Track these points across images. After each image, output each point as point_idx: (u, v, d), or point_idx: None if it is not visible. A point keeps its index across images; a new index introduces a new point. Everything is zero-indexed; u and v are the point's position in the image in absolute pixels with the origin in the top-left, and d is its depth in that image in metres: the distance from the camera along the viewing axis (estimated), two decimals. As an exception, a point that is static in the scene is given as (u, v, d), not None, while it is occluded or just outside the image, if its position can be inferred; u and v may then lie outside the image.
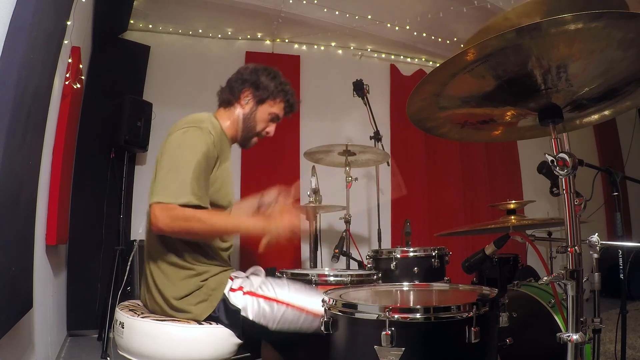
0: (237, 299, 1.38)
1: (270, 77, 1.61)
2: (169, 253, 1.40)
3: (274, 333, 1.38)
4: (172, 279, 1.39)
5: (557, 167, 1.04)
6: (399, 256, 2.21)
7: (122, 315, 1.39)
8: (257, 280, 1.43)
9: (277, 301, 1.38)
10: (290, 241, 1.41)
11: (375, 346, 1.04)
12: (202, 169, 1.38)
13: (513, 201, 2.12)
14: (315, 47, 4.57)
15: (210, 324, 1.35)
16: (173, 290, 1.38)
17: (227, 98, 1.62)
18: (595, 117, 1.27)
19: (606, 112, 1.24)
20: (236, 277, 1.44)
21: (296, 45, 4.50)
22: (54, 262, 2.60)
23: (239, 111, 1.62)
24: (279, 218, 1.38)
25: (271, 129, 1.65)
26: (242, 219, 1.48)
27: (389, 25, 4.20)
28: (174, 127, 1.45)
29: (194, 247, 1.42)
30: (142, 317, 1.36)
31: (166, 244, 1.41)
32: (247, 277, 1.46)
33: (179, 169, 1.33)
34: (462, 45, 1.09)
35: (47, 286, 2.41)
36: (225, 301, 1.37)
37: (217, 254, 1.49)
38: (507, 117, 1.25)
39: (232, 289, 1.40)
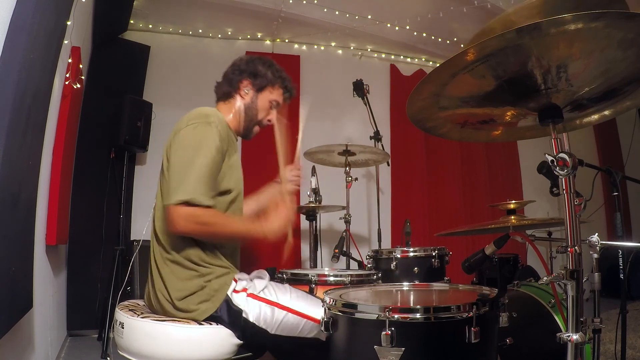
0: (240, 301, 1.38)
1: (267, 65, 1.63)
2: (174, 253, 1.40)
3: (274, 337, 1.38)
4: (176, 278, 1.39)
5: (557, 167, 1.04)
6: (399, 256, 2.21)
7: (122, 315, 1.39)
8: (260, 284, 1.43)
9: (278, 306, 1.38)
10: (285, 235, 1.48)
11: (375, 346, 1.04)
12: (216, 164, 1.39)
13: (513, 201, 2.11)
14: (315, 47, 4.57)
15: (210, 324, 1.35)
16: (177, 290, 1.37)
17: (226, 90, 1.62)
18: (595, 117, 1.27)
19: (606, 112, 1.24)
20: (240, 279, 1.44)
21: (296, 45, 4.50)
22: (54, 262, 2.60)
23: (239, 102, 1.62)
24: (274, 216, 1.45)
25: (272, 116, 1.67)
26: (251, 224, 1.47)
27: (389, 25, 4.20)
28: (180, 123, 1.44)
29: (199, 247, 1.41)
30: (142, 317, 1.35)
31: (172, 244, 1.41)
32: (251, 280, 1.46)
33: (194, 167, 1.33)
34: (462, 46, 1.09)
35: (47, 286, 2.41)
36: (228, 302, 1.37)
37: (223, 254, 1.48)
38: (507, 117, 1.25)
39: (235, 291, 1.40)
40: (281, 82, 1.64)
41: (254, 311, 1.37)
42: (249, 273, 1.53)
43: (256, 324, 1.37)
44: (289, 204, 1.52)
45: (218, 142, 1.39)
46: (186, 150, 1.37)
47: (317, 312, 1.35)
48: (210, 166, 1.36)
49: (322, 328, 1.16)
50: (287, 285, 1.50)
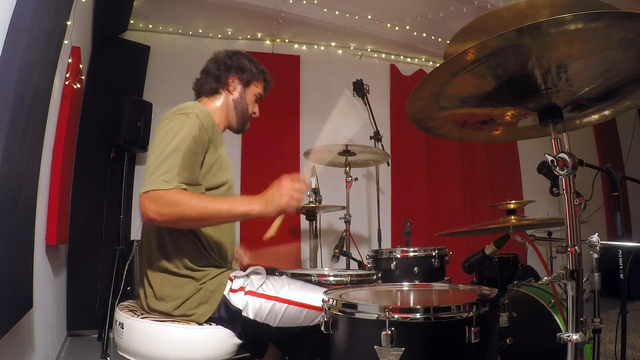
0: (238, 300, 1.38)
1: (248, 59, 1.66)
2: (165, 261, 1.39)
3: (276, 330, 1.38)
4: (170, 287, 1.38)
5: (557, 167, 1.04)
6: (399, 256, 2.21)
7: (121, 315, 1.39)
8: (257, 280, 1.43)
9: (278, 299, 1.38)
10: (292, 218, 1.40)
11: (375, 346, 1.04)
12: (192, 153, 1.34)
13: (513, 201, 2.11)
14: (315, 47, 4.57)
15: (210, 324, 1.35)
16: (173, 299, 1.37)
17: (213, 86, 1.61)
18: (595, 117, 1.27)
19: (606, 112, 1.24)
20: (236, 277, 1.44)
21: (296, 45, 4.50)
22: (54, 262, 2.60)
23: (226, 97, 1.62)
24: (277, 194, 1.30)
25: (257, 109, 1.70)
26: (237, 201, 1.35)
27: (389, 25, 4.20)
28: (160, 120, 1.44)
29: (188, 252, 1.40)
30: (142, 318, 1.35)
31: (162, 252, 1.40)
32: (247, 276, 1.45)
33: (166, 156, 1.29)
34: (450, 40, 1.09)
35: (47, 286, 2.41)
36: (226, 303, 1.37)
37: (212, 255, 1.48)
38: (507, 117, 1.25)
39: (232, 290, 1.39)
40: (263, 76, 1.68)
41: (254, 308, 1.37)
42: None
43: (258, 320, 1.37)
44: (296, 184, 1.35)
45: (196, 131, 1.37)
46: (160, 144, 1.33)
47: (317, 299, 1.35)
48: (184, 154, 1.31)
49: (322, 328, 1.16)
50: (284, 277, 1.50)
